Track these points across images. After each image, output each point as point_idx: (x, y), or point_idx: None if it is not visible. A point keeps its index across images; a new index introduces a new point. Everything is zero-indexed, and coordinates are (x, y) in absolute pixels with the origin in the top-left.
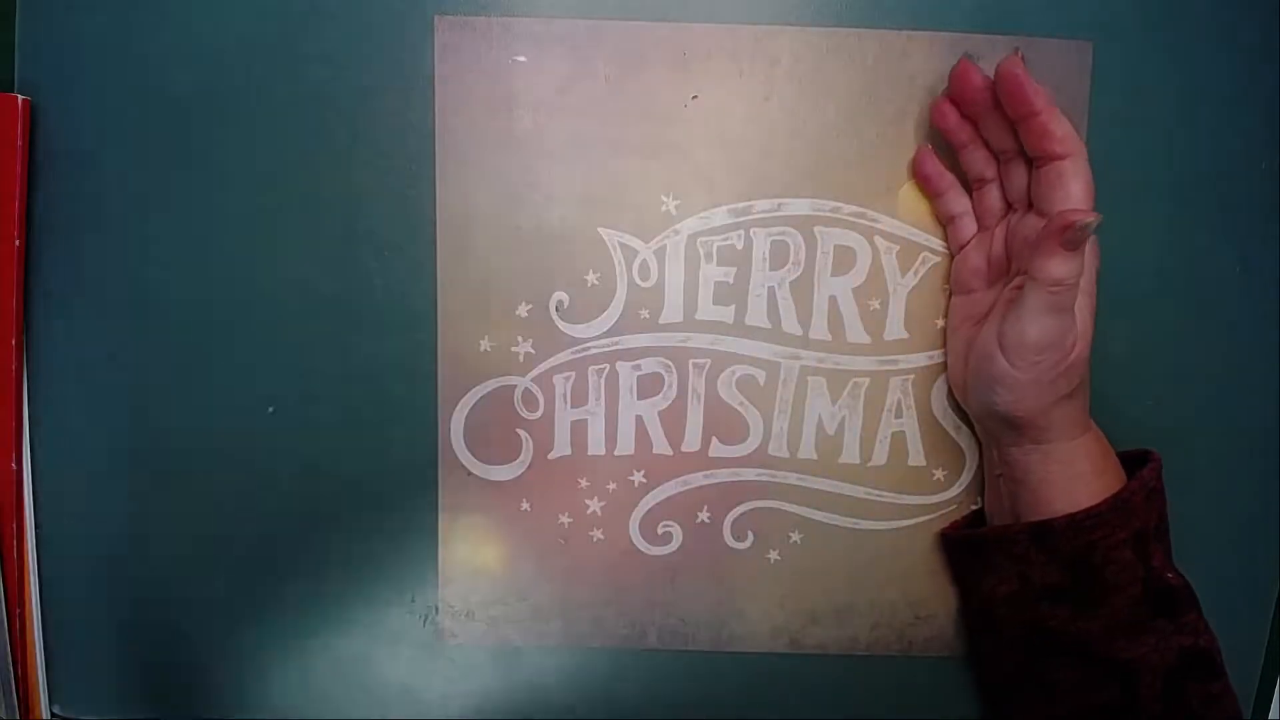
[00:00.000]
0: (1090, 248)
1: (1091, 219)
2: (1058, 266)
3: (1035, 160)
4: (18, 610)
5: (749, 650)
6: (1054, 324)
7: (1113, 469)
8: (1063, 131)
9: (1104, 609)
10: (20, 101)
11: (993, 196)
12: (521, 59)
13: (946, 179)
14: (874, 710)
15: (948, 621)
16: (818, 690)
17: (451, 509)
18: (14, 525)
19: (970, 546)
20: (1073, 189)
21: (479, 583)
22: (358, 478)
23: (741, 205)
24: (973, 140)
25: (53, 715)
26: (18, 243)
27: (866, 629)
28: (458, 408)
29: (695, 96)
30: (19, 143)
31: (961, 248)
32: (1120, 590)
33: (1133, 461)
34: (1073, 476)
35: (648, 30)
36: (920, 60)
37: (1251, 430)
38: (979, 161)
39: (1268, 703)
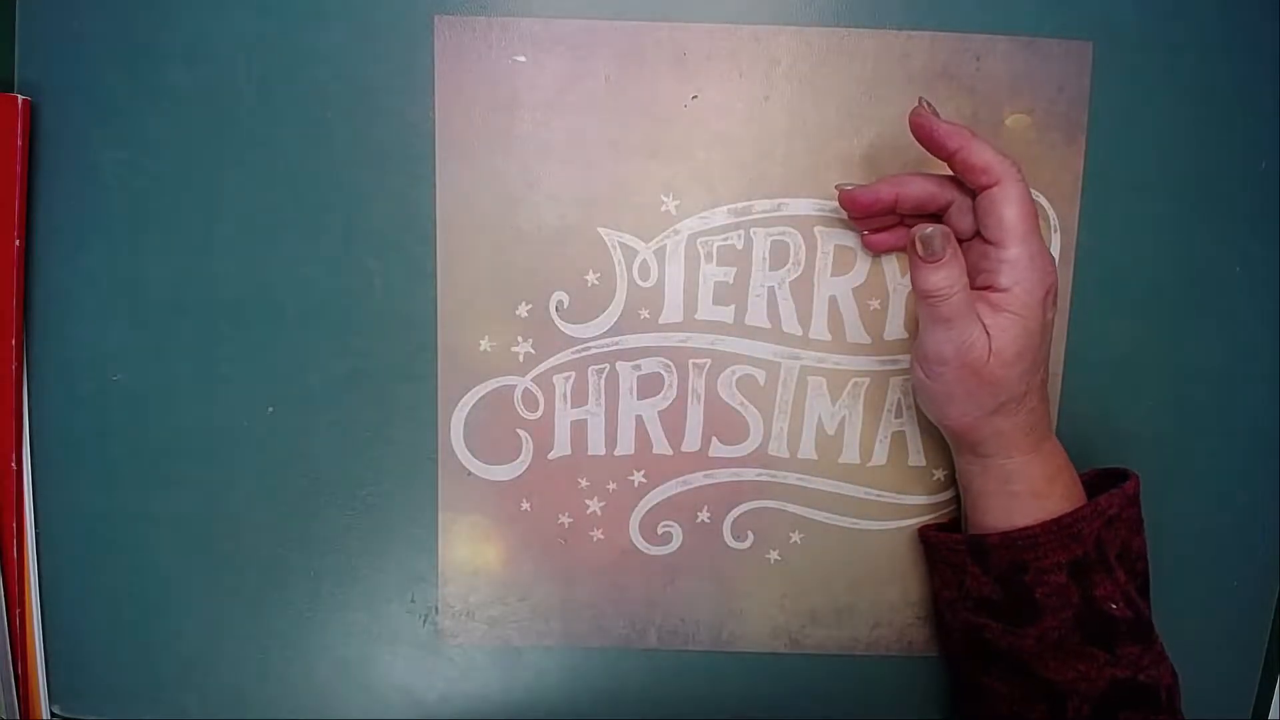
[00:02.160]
0: (1033, 267)
1: (930, 229)
2: (922, 279)
3: (973, 189)
4: (18, 610)
5: (749, 650)
6: (944, 335)
7: (1060, 494)
8: (983, 162)
9: (1034, 628)
10: (20, 101)
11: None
12: (521, 59)
13: (905, 236)
14: (874, 710)
15: None
16: (818, 690)
17: (451, 509)
18: (14, 525)
19: (925, 546)
20: (1005, 213)
21: (479, 583)
22: (358, 478)
23: (741, 205)
24: (900, 216)
25: (53, 715)
26: (18, 243)
27: (866, 629)
28: (458, 408)
29: (695, 96)
30: (19, 143)
31: None
32: (1053, 613)
33: (1110, 481)
34: (1007, 495)
35: (648, 30)
36: (920, 60)
37: (1251, 430)
38: (921, 218)
39: (1268, 703)
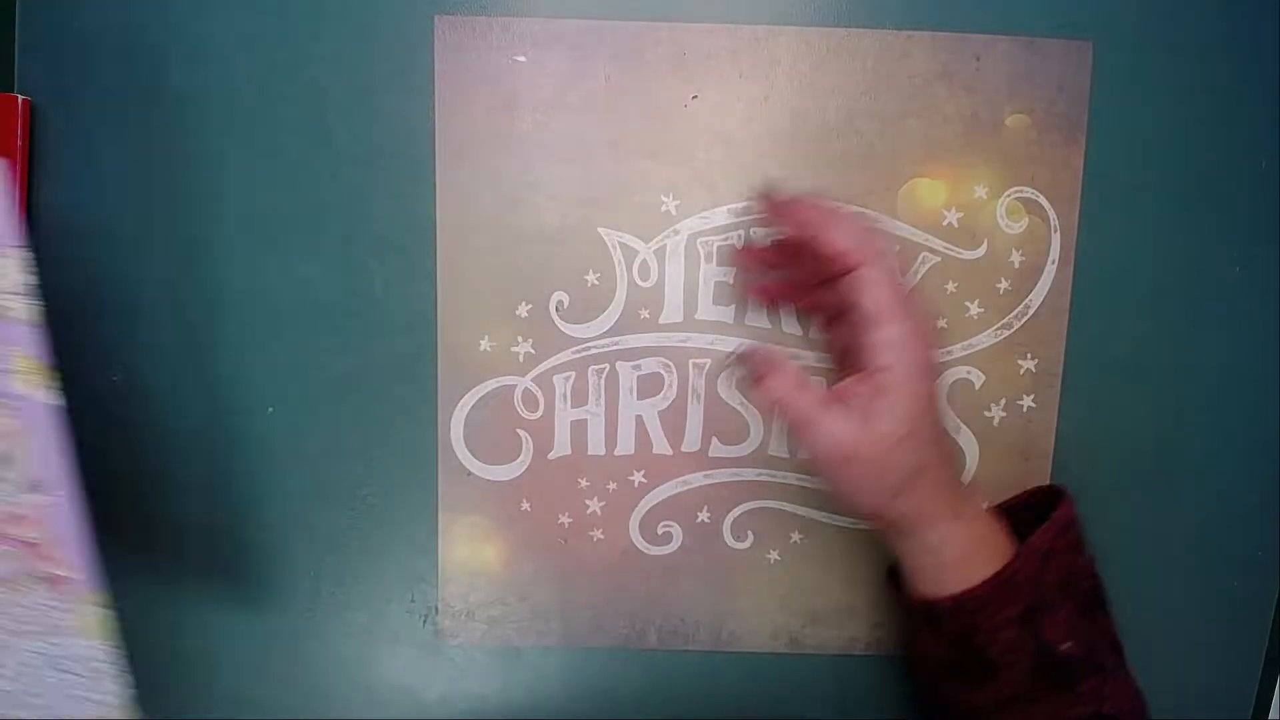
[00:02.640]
0: (911, 342)
1: (734, 354)
2: (756, 396)
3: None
4: None
5: (749, 650)
6: (807, 440)
7: (987, 555)
8: (840, 248)
9: (990, 686)
10: (20, 101)
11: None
12: (521, 59)
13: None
14: (874, 710)
15: None
16: (818, 690)
17: (451, 509)
18: None
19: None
20: (870, 297)
21: (479, 583)
22: (358, 478)
23: (741, 205)
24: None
25: None
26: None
27: (866, 629)
28: (458, 408)
29: (695, 96)
30: (19, 143)
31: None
32: (1009, 668)
33: (1042, 498)
34: (937, 566)
35: (648, 30)
36: (920, 60)
37: (1251, 430)
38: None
39: (1268, 703)
